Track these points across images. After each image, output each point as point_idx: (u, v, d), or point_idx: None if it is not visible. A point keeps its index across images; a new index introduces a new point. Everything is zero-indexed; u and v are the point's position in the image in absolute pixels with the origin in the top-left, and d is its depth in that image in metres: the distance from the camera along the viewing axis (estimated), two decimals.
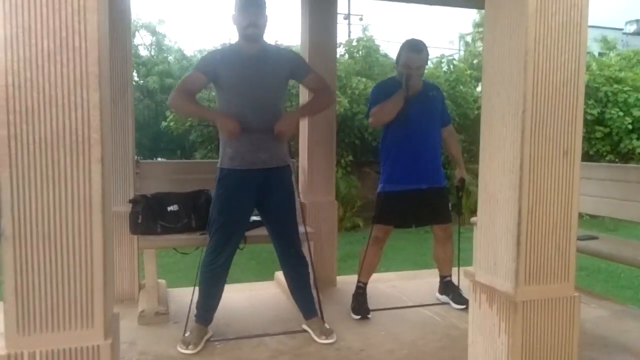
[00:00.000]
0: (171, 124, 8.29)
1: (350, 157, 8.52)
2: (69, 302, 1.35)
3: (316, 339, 2.81)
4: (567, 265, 1.76)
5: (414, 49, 3.13)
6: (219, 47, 2.83)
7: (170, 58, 9.20)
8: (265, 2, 2.69)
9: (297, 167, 3.77)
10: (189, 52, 9.84)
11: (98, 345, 1.37)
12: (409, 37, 3.23)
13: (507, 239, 1.73)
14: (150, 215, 3.11)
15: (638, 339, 2.81)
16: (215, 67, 2.67)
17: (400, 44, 3.24)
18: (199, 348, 2.68)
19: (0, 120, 1.27)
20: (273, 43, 2.90)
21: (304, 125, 3.64)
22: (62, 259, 1.34)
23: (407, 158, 3.17)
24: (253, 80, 2.65)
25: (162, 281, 3.58)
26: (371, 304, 3.24)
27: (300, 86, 3.31)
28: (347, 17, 15.86)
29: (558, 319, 1.75)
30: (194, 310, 2.84)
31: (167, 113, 8.34)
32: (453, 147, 3.44)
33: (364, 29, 9.94)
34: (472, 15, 11.84)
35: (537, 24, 1.64)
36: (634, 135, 9.61)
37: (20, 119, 1.28)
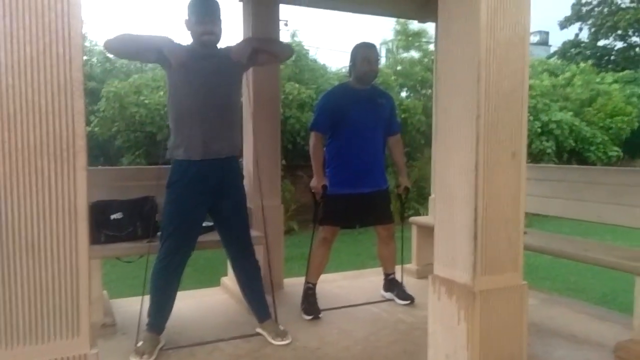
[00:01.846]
0: (96, 129, 7.93)
1: (283, 161, 8.58)
2: (55, 312, 1.31)
3: (272, 341, 2.85)
4: (517, 257, 1.94)
5: (369, 45, 3.35)
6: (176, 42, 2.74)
7: (93, 60, 8.80)
8: (219, 9, 2.71)
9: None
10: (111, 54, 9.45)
11: (85, 354, 1.34)
12: (326, 44, 3.42)
13: (464, 234, 1.88)
14: (93, 224, 3.00)
15: (565, 324, 3.11)
16: (171, 50, 2.60)
17: (348, 48, 3.40)
18: (153, 357, 2.64)
19: None
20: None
21: (248, 128, 3.65)
22: (46, 268, 1.30)
23: (351, 163, 3.29)
24: (204, 74, 2.66)
25: (105, 292, 3.45)
26: (321, 304, 3.33)
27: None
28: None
29: (510, 305, 1.93)
30: (144, 320, 2.78)
31: (92, 118, 7.97)
32: (398, 156, 3.60)
33: (293, 35, 10.03)
34: (392, 23, 12.30)
35: (488, 37, 1.81)
36: (543, 138, 10.47)
37: (2, 127, 1.23)
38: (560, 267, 5.87)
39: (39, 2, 1.26)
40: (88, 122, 7.98)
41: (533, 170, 3.83)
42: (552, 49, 23.70)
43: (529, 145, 10.25)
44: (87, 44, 9.23)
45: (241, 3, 3.79)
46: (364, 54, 3.29)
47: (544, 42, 27.98)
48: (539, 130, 10.37)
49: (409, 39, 11.59)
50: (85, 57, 9.18)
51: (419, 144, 9.63)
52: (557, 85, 12.02)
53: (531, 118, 10.22)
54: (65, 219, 1.31)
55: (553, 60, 17.21)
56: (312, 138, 3.32)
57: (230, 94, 2.74)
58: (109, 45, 2.62)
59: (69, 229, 1.31)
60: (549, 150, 10.32)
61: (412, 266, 4.14)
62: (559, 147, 10.75)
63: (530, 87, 10.80)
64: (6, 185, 1.25)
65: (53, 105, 1.28)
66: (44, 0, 1.26)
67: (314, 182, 3.27)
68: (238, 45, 2.80)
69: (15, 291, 1.28)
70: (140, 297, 2.87)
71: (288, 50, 3.10)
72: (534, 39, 27.77)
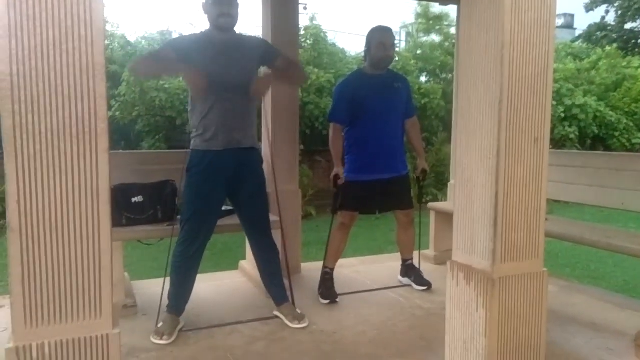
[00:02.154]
0: (117, 113, 8.01)
1: (301, 146, 8.58)
2: (77, 293, 1.34)
3: (289, 324, 2.87)
4: (537, 244, 1.92)
5: (385, 29, 3.30)
6: (190, 34, 2.78)
7: (115, 44, 8.85)
8: None
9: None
10: (132, 38, 9.51)
11: (107, 334, 1.37)
12: (345, 27, 3.38)
13: (484, 220, 1.87)
14: (115, 207, 3.04)
15: (585, 311, 3.08)
16: (188, 50, 2.66)
17: (366, 32, 3.35)
18: (173, 338, 2.69)
19: (5, 109, 1.24)
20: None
21: (265, 113, 3.66)
22: (69, 249, 1.32)
23: (371, 149, 3.28)
24: (225, 66, 2.67)
25: (126, 274, 3.52)
26: (338, 289, 3.35)
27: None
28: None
29: (530, 292, 1.91)
30: (165, 301, 2.83)
31: (113, 102, 8.04)
32: (415, 139, 3.58)
33: (312, 19, 9.94)
34: (413, 5, 12.12)
35: (512, 20, 1.77)
36: (566, 123, 10.26)
37: (26, 109, 1.25)
38: (581, 254, 5.79)
39: None
40: (109, 107, 8.06)
41: (555, 156, 3.77)
42: (577, 32, 23.12)
43: (552, 131, 10.06)
44: (108, 27, 9.28)
45: None
46: (379, 38, 3.25)
47: (569, 25, 27.30)
48: (562, 115, 10.16)
49: (429, 23, 11.41)
50: (106, 42, 9.26)
51: (438, 129, 9.53)
52: (581, 70, 11.74)
53: (554, 103, 10.02)
54: (88, 201, 1.33)
55: (578, 43, 16.79)
56: (331, 129, 3.31)
57: (247, 84, 2.74)
58: (135, 71, 2.69)
59: (91, 211, 1.33)
60: (571, 136, 10.11)
61: (429, 252, 4.13)
62: (582, 133, 10.54)
63: (554, 71, 10.58)
64: (30, 167, 1.27)
65: (75, 89, 1.29)
66: None
67: (336, 170, 3.28)
68: (261, 78, 2.80)
69: (40, 271, 1.31)
70: (161, 279, 2.91)
71: (303, 78, 3.09)
72: (559, 21, 27.05)
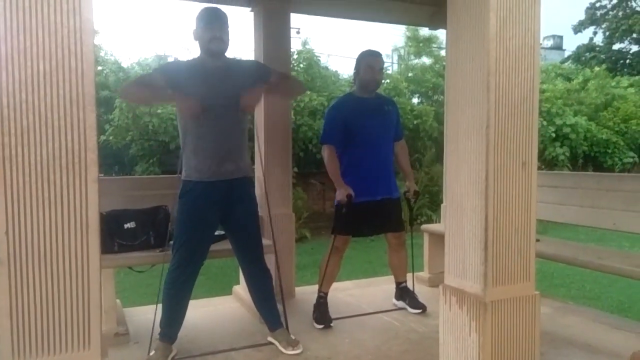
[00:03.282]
0: (110, 138, 8.03)
1: (295, 169, 8.60)
2: (65, 324, 1.33)
3: (283, 350, 2.84)
4: (528, 266, 1.92)
5: (374, 53, 3.35)
6: (182, 60, 2.79)
7: (107, 70, 8.91)
8: (227, 19, 2.73)
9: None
10: (125, 64, 9.58)
11: None
12: (338, 51, 3.43)
13: (474, 244, 1.87)
14: (107, 234, 3.03)
15: (580, 333, 3.07)
16: (177, 77, 2.66)
17: (351, 56, 3.41)
18: None
19: None
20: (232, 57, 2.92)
21: (258, 136, 3.67)
22: (57, 281, 1.32)
23: (364, 172, 3.29)
24: (216, 92, 2.67)
25: (118, 301, 3.48)
26: (332, 313, 3.32)
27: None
28: None
29: (522, 315, 1.91)
30: (157, 329, 2.79)
31: (106, 127, 8.07)
32: (404, 162, 3.60)
33: (304, 43, 10.07)
34: (403, 29, 12.31)
35: (497, 47, 1.81)
36: (557, 143, 10.35)
37: (16, 141, 1.26)
38: (576, 274, 5.79)
39: (53, 18, 1.28)
40: (103, 131, 8.09)
41: (547, 177, 3.80)
42: (566, 53, 23.51)
43: (542, 152, 10.16)
44: (101, 53, 9.36)
45: (252, 13, 3.82)
46: (368, 62, 3.30)
47: (558, 47, 27.79)
48: (553, 135, 10.26)
49: (419, 45, 11.58)
50: (99, 67, 9.34)
51: (431, 150, 9.59)
52: (571, 90, 11.91)
53: (545, 123, 10.12)
54: (77, 231, 1.33)
55: (567, 64, 17.07)
56: (326, 151, 3.31)
57: (238, 113, 2.74)
58: (125, 96, 2.70)
59: (80, 241, 1.33)
60: (562, 157, 10.19)
61: (424, 274, 4.12)
62: (574, 152, 10.63)
63: (544, 92, 10.71)
64: (19, 197, 1.27)
65: (65, 120, 1.30)
66: (57, 17, 1.28)
67: (340, 195, 3.23)
68: (251, 91, 2.74)
69: (27, 302, 1.30)
70: (153, 306, 2.88)
71: (299, 89, 3.09)
72: (548, 43, 27.60)
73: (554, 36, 27.60)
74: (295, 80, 2.97)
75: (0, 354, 1.30)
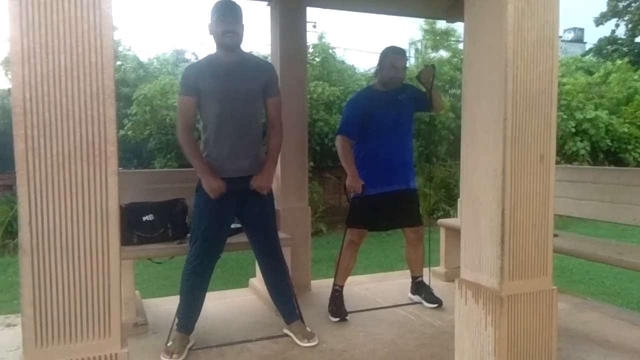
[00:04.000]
0: (129, 132, 8.12)
1: (311, 163, 8.61)
2: (86, 312, 1.37)
3: (298, 342, 2.86)
4: (546, 261, 1.91)
5: (398, 51, 3.34)
6: (197, 61, 2.82)
7: (127, 65, 9.00)
8: (241, 12, 2.75)
9: None
10: (144, 59, 9.67)
11: (116, 354, 1.38)
12: (354, 45, 3.39)
13: (491, 238, 1.86)
14: (126, 226, 3.08)
15: (599, 329, 3.03)
16: (196, 82, 2.70)
17: (375, 49, 3.39)
18: (182, 357, 2.69)
19: (18, 134, 1.28)
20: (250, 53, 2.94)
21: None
22: (79, 269, 1.35)
23: (381, 163, 3.29)
24: (232, 88, 2.69)
25: (137, 292, 3.54)
26: (348, 306, 3.33)
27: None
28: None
29: (539, 310, 1.89)
30: (175, 320, 2.83)
31: (125, 121, 8.17)
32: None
33: (320, 37, 10.05)
34: (420, 22, 12.18)
35: (515, 39, 1.79)
36: (578, 138, 10.18)
37: (38, 133, 1.29)
38: (595, 270, 5.71)
39: (73, 13, 1.31)
40: (122, 126, 8.20)
41: (566, 172, 3.76)
42: (588, 46, 23.08)
43: (562, 146, 10.00)
44: (120, 49, 9.46)
45: (269, 7, 3.83)
46: (391, 60, 3.28)
47: (579, 39, 27.29)
48: (573, 130, 10.09)
49: (436, 39, 11.46)
50: (118, 62, 9.45)
51: (448, 143, 9.51)
52: (592, 84, 11.69)
53: (565, 117, 9.96)
54: (97, 222, 1.36)
55: (588, 57, 16.75)
56: (340, 141, 3.32)
57: (252, 111, 2.77)
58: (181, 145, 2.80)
59: (100, 231, 1.36)
60: (582, 152, 10.02)
61: (440, 269, 4.10)
62: (594, 147, 10.45)
63: (564, 85, 10.54)
64: (42, 188, 1.31)
65: (86, 113, 1.33)
66: (77, 12, 1.31)
67: (351, 181, 3.25)
68: (264, 173, 2.78)
69: (50, 292, 1.33)
70: (171, 297, 2.93)
71: (278, 143, 2.93)
72: (568, 36, 27.12)
73: (574, 29, 27.10)
74: (281, 129, 2.93)
75: (24, 341, 1.34)
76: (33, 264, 1.31)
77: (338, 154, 3.34)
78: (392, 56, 3.30)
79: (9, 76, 8.65)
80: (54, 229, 1.33)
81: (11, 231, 7.15)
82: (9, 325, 3.17)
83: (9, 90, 8.50)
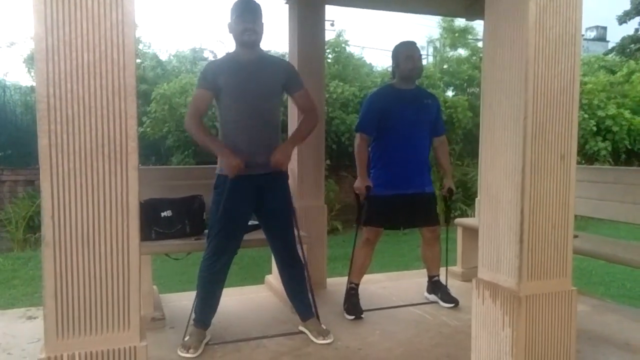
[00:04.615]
0: (148, 129, 8.21)
1: (328, 161, 8.61)
2: (106, 305, 1.39)
3: (314, 339, 2.87)
4: (565, 261, 1.88)
5: (410, 43, 3.33)
6: (217, 58, 2.86)
7: (146, 63, 9.10)
8: (261, 10, 2.76)
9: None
10: (163, 57, 9.77)
11: (134, 347, 1.40)
12: (372, 43, 3.41)
13: (509, 237, 1.85)
14: (144, 221, 3.11)
15: (619, 331, 2.98)
16: (215, 78, 2.72)
17: (392, 48, 3.38)
18: (199, 352, 2.71)
19: (42, 130, 1.30)
20: (268, 52, 2.96)
21: (292, 129, 3.70)
22: (100, 263, 1.37)
23: (397, 163, 3.28)
24: (250, 86, 2.71)
25: (155, 287, 3.58)
26: (364, 304, 3.33)
27: (289, 100, 3.33)
28: None
29: (558, 311, 1.87)
30: (192, 315, 2.86)
31: (144, 119, 8.26)
32: (443, 157, 3.55)
33: (338, 35, 10.03)
34: (438, 20, 12.08)
35: (537, 36, 1.77)
36: (599, 138, 10.01)
37: (61, 129, 1.31)
38: (616, 272, 5.62)
39: (96, 11, 1.33)
40: (140, 123, 8.31)
41: (586, 172, 3.70)
42: (610, 45, 22.65)
43: (583, 146, 9.84)
44: (140, 46, 9.56)
45: (287, 5, 3.84)
46: (406, 52, 3.27)
47: (602, 38, 26.82)
48: (594, 129, 9.92)
49: (455, 36, 11.36)
50: (138, 60, 9.55)
51: (465, 142, 9.44)
52: (614, 83, 11.46)
53: (586, 116, 9.80)
54: (118, 216, 1.38)
55: (611, 56, 16.44)
56: (358, 139, 3.32)
57: (272, 106, 2.79)
58: (188, 132, 2.82)
59: (121, 226, 1.38)
60: (603, 152, 9.84)
61: (457, 268, 4.08)
62: (616, 147, 10.26)
63: (586, 84, 10.36)
64: (64, 184, 1.33)
65: (108, 109, 1.35)
66: (100, 10, 1.33)
67: (358, 183, 3.28)
68: (282, 148, 2.78)
69: (71, 285, 1.36)
70: (188, 293, 2.96)
71: (313, 124, 2.94)
72: (591, 34, 26.67)
73: (597, 27, 26.65)
74: (315, 112, 2.92)
75: (46, 332, 1.37)
76: (55, 256, 1.34)
77: (355, 150, 3.34)
78: (406, 48, 3.29)
79: (32, 74, 8.82)
80: (76, 223, 1.35)
81: (32, 226, 7.29)
82: (30, 317, 3.24)
83: (31, 87, 8.67)
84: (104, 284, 1.39)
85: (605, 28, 27.38)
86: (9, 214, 7.30)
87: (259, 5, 2.75)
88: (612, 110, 10.12)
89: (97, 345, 1.39)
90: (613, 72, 12.49)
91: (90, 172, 1.35)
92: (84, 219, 1.36)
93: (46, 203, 1.32)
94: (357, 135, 3.33)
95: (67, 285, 1.36)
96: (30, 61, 8.67)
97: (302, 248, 3.05)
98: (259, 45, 2.80)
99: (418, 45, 3.40)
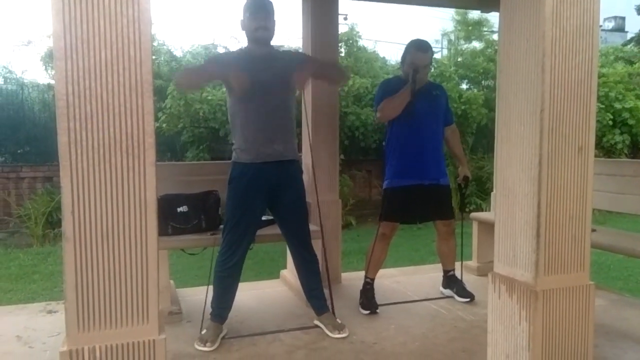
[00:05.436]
0: (163, 125, 8.27)
1: (342, 156, 8.59)
2: (126, 299, 1.42)
3: (329, 333, 2.89)
4: (583, 255, 1.87)
5: (421, 48, 3.25)
6: (231, 51, 2.91)
7: (161, 59, 9.15)
8: (273, 8, 2.78)
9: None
10: (178, 53, 9.81)
11: (154, 340, 1.43)
12: (386, 36, 3.36)
13: (526, 231, 1.83)
14: (161, 217, 3.13)
15: (637, 326, 2.95)
16: (227, 66, 2.74)
17: (405, 45, 3.34)
18: (216, 345, 2.74)
19: (61, 127, 1.32)
20: (279, 47, 2.98)
21: (306, 124, 3.70)
22: (119, 257, 1.40)
23: (411, 154, 3.26)
24: (264, 80, 2.73)
25: (171, 281, 3.62)
26: (378, 299, 3.33)
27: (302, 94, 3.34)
28: None
29: (575, 306, 1.86)
30: (208, 309, 2.89)
31: (159, 114, 8.32)
32: (456, 146, 3.55)
33: (351, 28, 9.98)
34: (451, 13, 11.97)
35: (554, 27, 1.74)
36: (617, 131, 9.86)
37: (80, 126, 1.34)
38: (635, 266, 5.54)
39: (113, 8, 1.35)
40: (156, 119, 8.36)
41: (605, 165, 3.65)
42: (629, 35, 22.24)
43: (600, 139, 9.69)
44: (154, 44, 9.61)
45: None
46: (412, 58, 3.22)
47: (620, 28, 26.35)
48: (610, 122, 9.76)
49: (469, 29, 11.25)
50: (153, 57, 9.59)
51: (479, 136, 9.36)
52: (633, 74, 11.26)
53: (602, 107, 9.64)
54: (137, 212, 1.40)
55: (629, 47, 16.14)
56: (380, 112, 3.28)
57: (285, 97, 2.80)
58: (179, 84, 2.85)
59: (139, 221, 1.40)
60: (619, 145, 9.68)
61: (472, 263, 4.06)
62: (634, 141, 10.09)
63: (603, 76, 10.19)
64: (84, 180, 1.36)
65: (125, 106, 1.37)
66: (117, 7, 1.35)
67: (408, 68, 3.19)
68: (299, 70, 2.78)
69: (92, 279, 1.39)
70: (204, 287, 2.99)
71: (344, 77, 3.09)
72: (609, 25, 26.21)
73: (615, 17, 26.17)
74: (339, 67, 2.99)
75: (67, 324, 1.39)
76: (75, 251, 1.37)
77: (386, 114, 3.26)
78: (414, 53, 3.23)
79: (49, 71, 8.94)
80: (95, 218, 1.38)
81: (51, 221, 7.40)
82: (50, 311, 3.30)
83: (48, 85, 8.78)
84: (123, 278, 1.41)
85: (623, 18, 26.88)
86: (28, 210, 7.42)
87: (271, 3, 2.78)
88: (630, 102, 9.95)
89: (117, 338, 1.42)
90: (631, 64, 12.27)
91: (109, 168, 1.37)
92: (103, 214, 1.38)
93: (66, 199, 1.35)
94: (378, 110, 3.29)
95: (87, 279, 1.38)
96: (47, 59, 8.77)
97: (322, 242, 3.06)
98: (270, 42, 2.82)
99: (432, 40, 3.37)
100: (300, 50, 3.87)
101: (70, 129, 1.33)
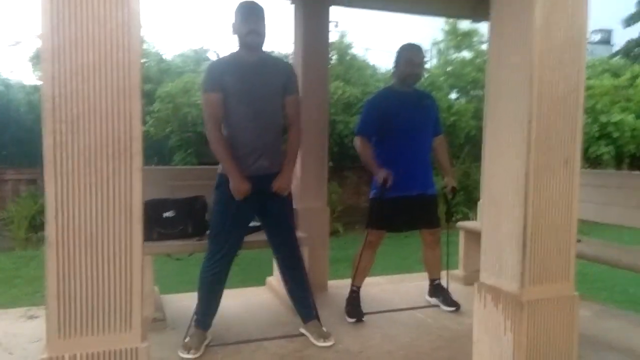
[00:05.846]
0: (151, 129, 8.22)
1: (330, 163, 8.59)
2: (109, 306, 1.39)
3: (315, 342, 2.86)
4: (568, 266, 1.88)
5: (414, 47, 3.32)
6: (220, 57, 2.87)
7: (150, 62, 9.10)
8: (264, 13, 2.78)
9: None
10: (168, 56, 9.77)
11: (136, 348, 1.40)
12: (376, 44, 3.40)
13: (512, 242, 1.84)
14: (147, 222, 3.10)
15: (621, 337, 2.97)
16: (221, 78, 2.72)
17: (390, 50, 3.39)
18: (199, 353, 2.71)
19: (47, 129, 1.30)
20: (270, 53, 2.96)
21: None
22: (102, 263, 1.37)
23: (400, 166, 3.26)
24: (254, 88, 2.72)
25: (156, 287, 3.58)
26: (365, 307, 3.32)
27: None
28: None
29: (560, 316, 1.87)
30: (193, 316, 2.86)
31: (147, 118, 8.26)
32: (443, 157, 3.56)
33: (341, 36, 10.02)
34: (440, 23, 12.07)
35: (542, 39, 1.76)
36: (602, 142, 9.98)
37: (66, 128, 1.31)
38: (619, 277, 5.58)
39: (102, 11, 1.33)
40: (144, 122, 8.28)
41: (590, 176, 3.68)
42: (615, 48, 22.58)
43: (586, 150, 9.81)
44: (144, 46, 9.56)
45: (292, 5, 3.84)
46: (408, 55, 3.27)
47: (606, 41, 26.75)
48: (597, 134, 9.90)
49: (458, 39, 11.36)
50: (143, 60, 9.55)
51: (467, 145, 9.42)
52: (618, 87, 11.43)
53: (589, 120, 9.78)
54: (122, 218, 1.38)
55: (615, 60, 16.39)
56: (358, 141, 3.32)
57: (274, 108, 2.79)
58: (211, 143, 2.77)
59: (124, 227, 1.38)
60: (606, 156, 9.81)
61: (459, 272, 4.07)
62: (619, 152, 10.22)
63: (590, 88, 10.33)
64: (68, 184, 1.33)
65: (112, 109, 1.35)
66: (106, 10, 1.33)
67: (382, 173, 3.19)
68: (283, 175, 2.80)
69: (74, 284, 1.36)
70: (190, 294, 2.95)
71: (297, 141, 2.94)
72: (595, 37, 26.58)
73: (602, 30, 26.56)
74: (299, 127, 2.93)
75: (48, 332, 1.36)
76: (58, 256, 1.34)
77: (358, 152, 3.34)
78: (408, 52, 3.29)
79: (36, 73, 8.84)
80: (80, 224, 1.35)
81: (34, 225, 7.29)
82: (31, 317, 3.24)
83: (35, 86, 8.68)
84: (107, 284, 1.39)
85: (610, 31, 27.31)
86: (11, 213, 7.31)
87: (262, 8, 2.77)
88: (616, 115, 10.09)
89: (98, 345, 1.39)
90: (617, 76, 12.45)
91: (94, 173, 1.35)
92: (87, 219, 1.36)
93: (50, 203, 1.32)
94: (357, 138, 3.33)
95: (69, 284, 1.36)
96: (35, 60, 8.68)
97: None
98: (261, 47, 2.81)
99: (423, 47, 3.40)
100: (291, 59, 3.85)
101: (56, 132, 1.31)
